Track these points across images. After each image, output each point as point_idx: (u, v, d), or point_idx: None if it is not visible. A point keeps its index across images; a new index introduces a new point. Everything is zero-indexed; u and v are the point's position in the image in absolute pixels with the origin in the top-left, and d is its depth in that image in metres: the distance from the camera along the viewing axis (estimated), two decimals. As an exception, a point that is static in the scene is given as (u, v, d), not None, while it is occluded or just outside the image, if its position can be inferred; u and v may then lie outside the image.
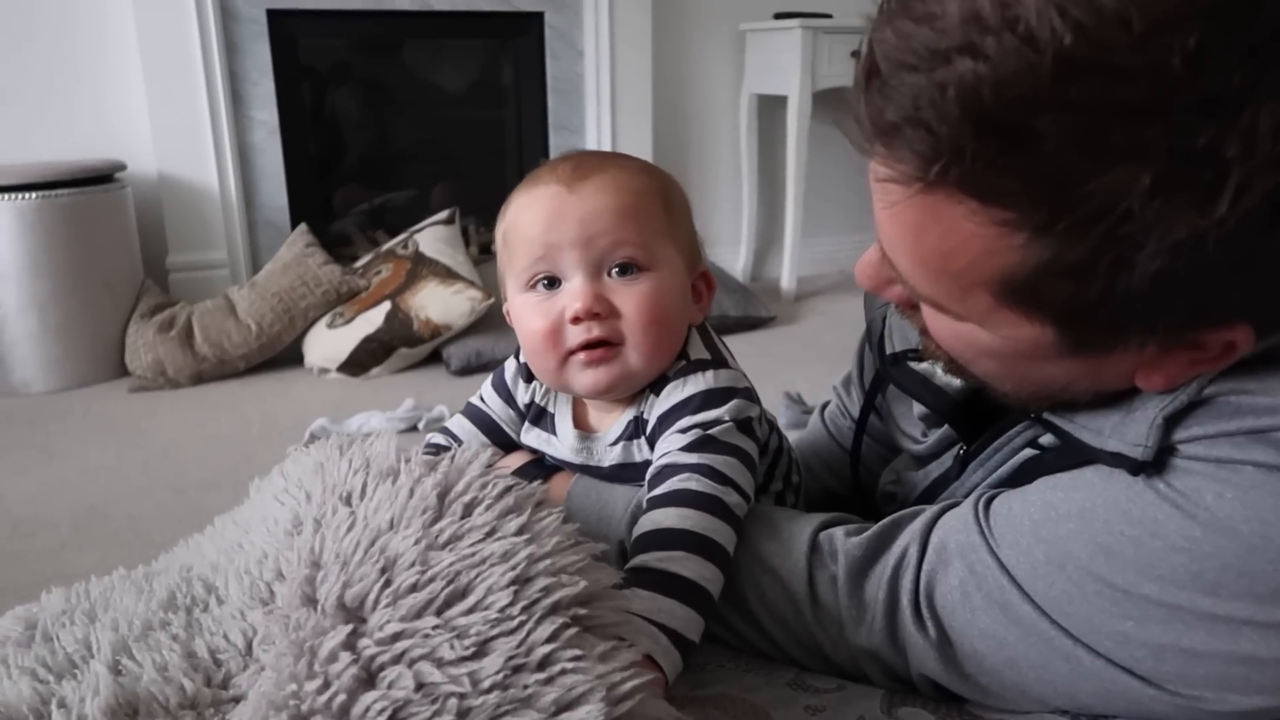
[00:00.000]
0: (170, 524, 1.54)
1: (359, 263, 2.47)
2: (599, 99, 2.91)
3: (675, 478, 0.66)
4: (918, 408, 0.76)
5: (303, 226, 2.48)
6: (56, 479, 1.77)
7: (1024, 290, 0.48)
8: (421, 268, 2.34)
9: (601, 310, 0.68)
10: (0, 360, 2.21)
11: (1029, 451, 0.63)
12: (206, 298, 2.40)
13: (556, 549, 0.51)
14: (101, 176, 2.29)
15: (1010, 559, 0.57)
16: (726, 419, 0.69)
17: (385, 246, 2.49)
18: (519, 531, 0.52)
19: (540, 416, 0.79)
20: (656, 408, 0.71)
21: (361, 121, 2.95)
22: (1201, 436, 0.51)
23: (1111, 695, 0.55)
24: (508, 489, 0.55)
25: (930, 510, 0.63)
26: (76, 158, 2.36)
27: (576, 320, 0.68)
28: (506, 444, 0.82)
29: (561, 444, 0.77)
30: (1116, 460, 0.53)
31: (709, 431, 0.68)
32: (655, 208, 0.71)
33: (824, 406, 1.08)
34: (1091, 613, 0.54)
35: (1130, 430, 0.53)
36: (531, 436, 0.80)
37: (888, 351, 0.77)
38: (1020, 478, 0.62)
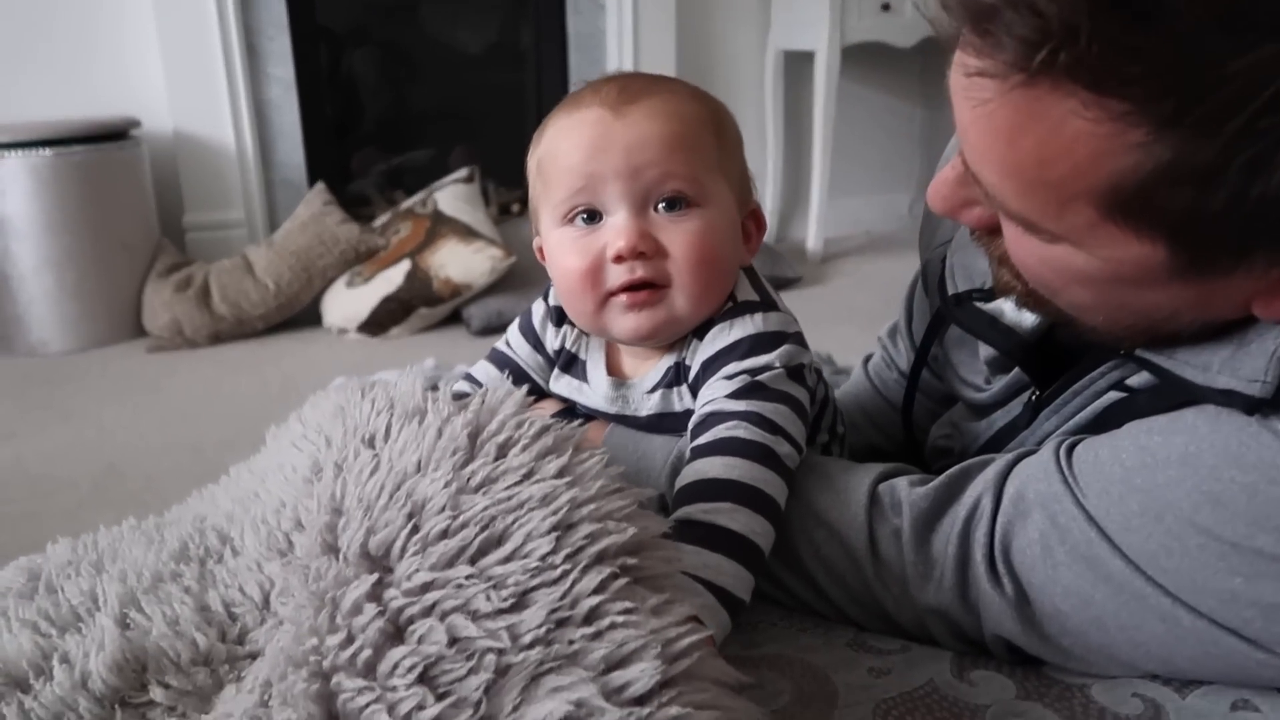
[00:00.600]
0: (188, 483, 1.49)
1: (377, 221, 2.42)
2: (621, 55, 2.83)
3: (721, 425, 0.61)
4: (984, 351, 0.70)
5: (320, 185, 2.43)
6: (74, 438, 1.74)
7: (1135, 200, 0.42)
8: (441, 226, 2.28)
9: (647, 249, 0.63)
10: (18, 320, 2.18)
11: (1114, 394, 0.57)
12: (224, 257, 2.35)
13: (601, 493, 0.46)
14: (115, 133, 2.24)
15: (1099, 510, 0.51)
16: (777, 365, 0.63)
17: (404, 205, 2.44)
18: (559, 474, 0.47)
19: (571, 363, 0.74)
20: (700, 353, 0.66)
21: (379, 84, 2.88)
22: None
23: (1212, 659, 0.50)
24: (545, 429, 0.50)
25: (1003, 458, 0.58)
26: (90, 114, 2.32)
27: (619, 259, 0.63)
28: (535, 393, 0.77)
29: (594, 392, 0.72)
30: (1228, 399, 0.47)
31: (758, 378, 0.62)
32: (707, 137, 0.65)
33: (867, 359, 1.03)
34: (1194, 568, 0.48)
35: (1245, 364, 0.47)
36: (562, 384, 0.75)
37: (949, 292, 0.71)
38: (1105, 423, 0.56)
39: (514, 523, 0.44)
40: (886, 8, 2.72)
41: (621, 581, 0.42)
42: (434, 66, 2.90)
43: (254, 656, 0.51)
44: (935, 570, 0.56)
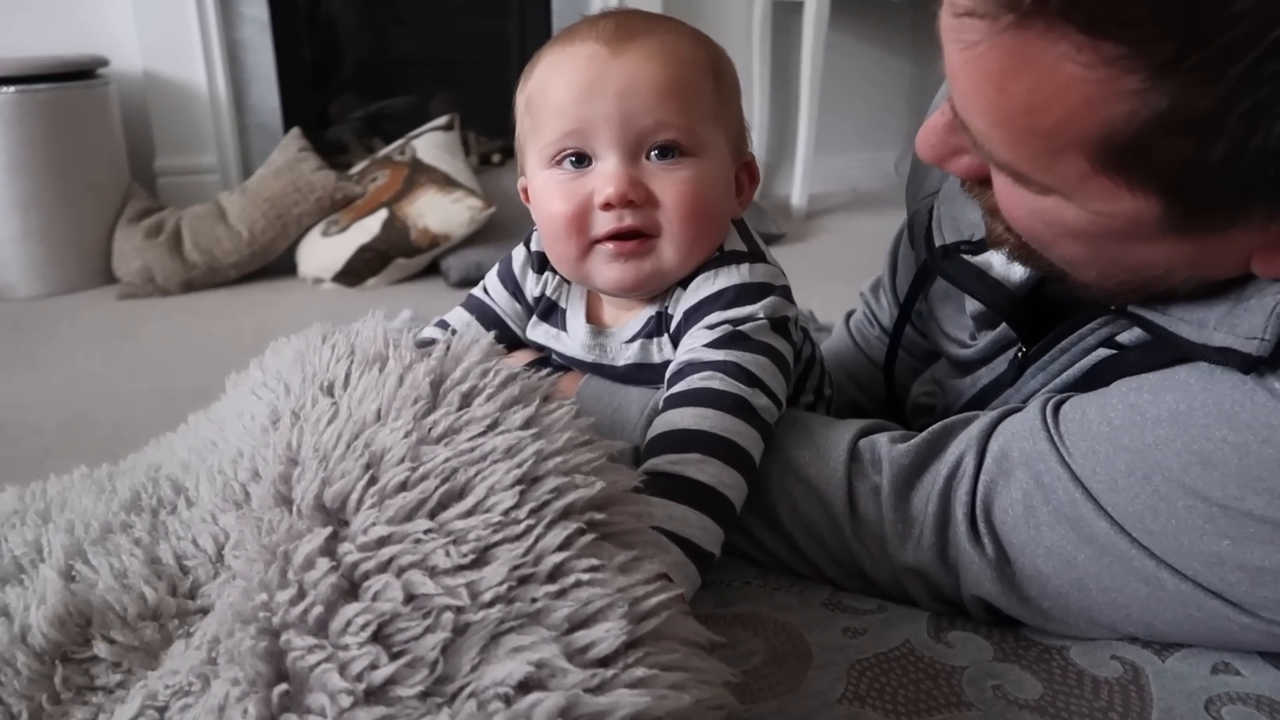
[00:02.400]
0: (158, 432, 1.46)
1: (354, 169, 2.37)
2: (606, 3, 2.76)
3: (696, 375, 0.58)
4: (971, 306, 0.68)
5: (295, 130, 2.36)
6: (42, 385, 1.71)
7: (1129, 151, 0.40)
8: (419, 175, 2.23)
9: (637, 197, 0.60)
10: (-17, 264, 2.12)
11: (1104, 352, 0.55)
12: (196, 203, 2.29)
13: (568, 445, 0.44)
14: (82, 72, 2.17)
15: (1085, 469, 0.50)
16: (760, 316, 0.61)
17: (382, 152, 2.38)
18: (525, 425, 0.45)
19: (550, 311, 0.72)
20: (683, 302, 0.63)
21: (357, 27, 2.80)
22: None
23: (1194, 622, 0.49)
24: (511, 378, 0.48)
25: (987, 416, 0.56)
26: (55, 52, 2.24)
27: (608, 206, 0.60)
28: (510, 341, 0.74)
29: (571, 340, 0.70)
30: (1224, 356, 0.45)
31: (740, 328, 0.60)
32: (705, 84, 0.62)
33: (849, 316, 1.01)
34: (1180, 530, 0.47)
35: (1243, 321, 0.45)
36: (539, 332, 0.72)
37: (936, 244, 0.68)
38: (1093, 381, 0.54)
39: (476, 475, 0.42)
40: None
41: (588, 538, 0.40)
42: (415, 11, 2.82)
43: (205, 611, 0.49)
44: (914, 529, 0.55)
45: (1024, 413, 0.54)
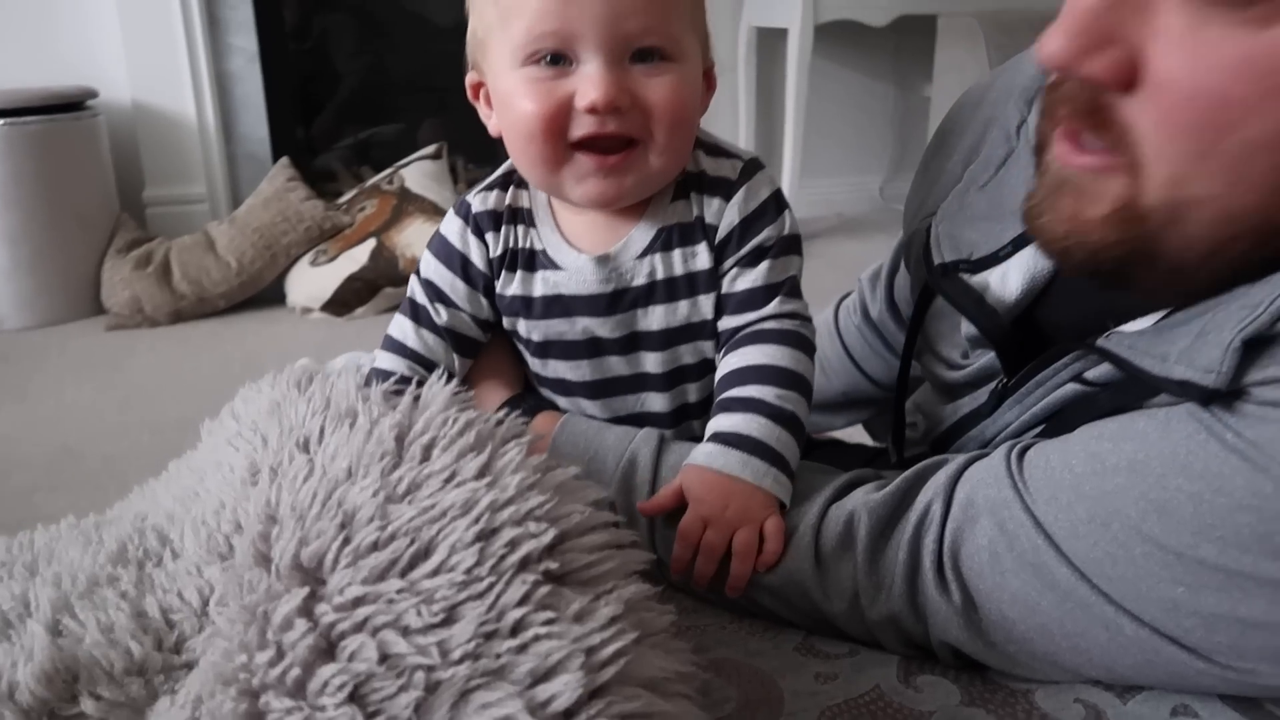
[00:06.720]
0: (147, 465, 1.47)
1: (343, 198, 2.39)
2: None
3: (768, 322, 0.66)
4: (965, 327, 0.69)
5: (284, 160, 2.38)
6: (30, 418, 1.71)
7: None
8: (407, 204, 2.25)
9: (623, 103, 0.59)
10: (-28, 296, 2.13)
11: (1074, 388, 0.57)
12: (185, 233, 2.31)
13: (520, 491, 0.45)
14: (72, 104, 2.19)
15: (1047, 516, 0.51)
16: (788, 225, 0.67)
17: (370, 182, 2.40)
18: (479, 474, 0.46)
19: (531, 260, 0.69)
20: (729, 215, 0.66)
21: (346, 54, 2.83)
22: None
23: (1154, 667, 0.50)
24: (469, 424, 0.49)
25: (956, 461, 0.58)
26: (45, 84, 2.26)
27: (593, 111, 0.59)
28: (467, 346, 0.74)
29: (577, 276, 0.68)
30: (1183, 390, 0.46)
31: (794, 274, 0.68)
32: None
33: (841, 299, 1.01)
34: (1138, 577, 0.48)
35: (1202, 355, 0.46)
36: (535, 284, 0.69)
37: (935, 262, 0.69)
38: (1064, 418, 0.56)
39: (439, 533, 0.43)
40: (862, -15, 2.70)
41: (545, 589, 0.42)
42: (403, 38, 2.85)
43: (190, 666, 0.50)
44: (886, 580, 0.56)
45: (989, 459, 0.56)
